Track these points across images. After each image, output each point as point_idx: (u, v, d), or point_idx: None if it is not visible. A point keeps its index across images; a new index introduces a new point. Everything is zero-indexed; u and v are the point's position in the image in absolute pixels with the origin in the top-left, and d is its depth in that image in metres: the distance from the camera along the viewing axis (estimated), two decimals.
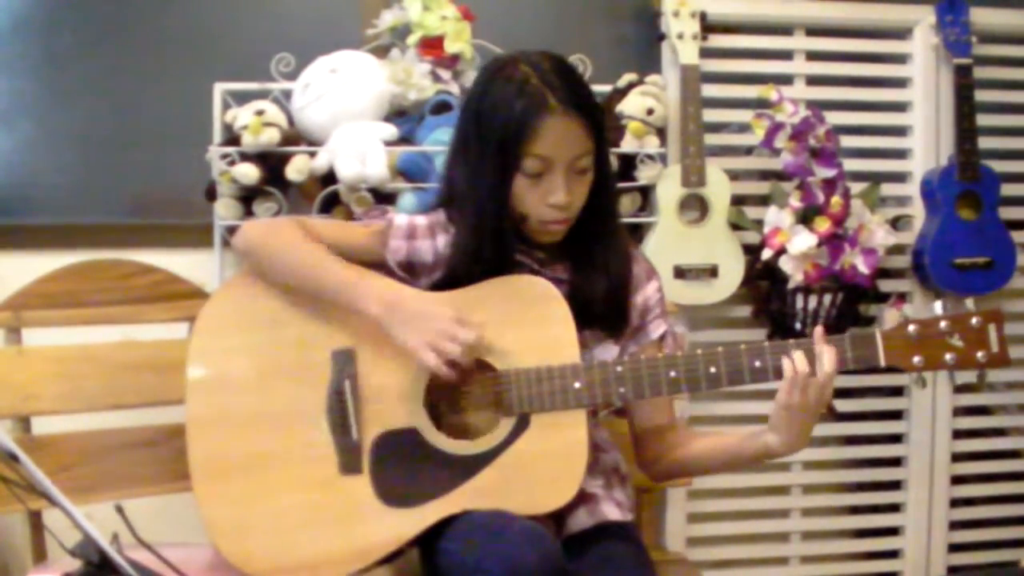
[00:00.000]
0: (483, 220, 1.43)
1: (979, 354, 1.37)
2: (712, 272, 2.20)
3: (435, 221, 1.50)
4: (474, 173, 1.43)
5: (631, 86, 2.18)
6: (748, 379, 1.39)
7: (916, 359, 1.37)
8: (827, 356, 1.34)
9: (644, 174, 2.14)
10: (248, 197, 2.03)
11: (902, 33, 2.39)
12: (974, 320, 1.37)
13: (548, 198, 1.40)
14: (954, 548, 2.44)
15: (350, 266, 1.42)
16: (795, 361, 1.34)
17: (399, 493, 1.38)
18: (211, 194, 2.04)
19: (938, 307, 1.38)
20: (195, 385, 1.45)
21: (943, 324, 1.38)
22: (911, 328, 1.37)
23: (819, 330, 1.37)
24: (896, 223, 2.36)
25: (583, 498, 1.47)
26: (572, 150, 1.38)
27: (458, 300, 1.42)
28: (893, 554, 2.44)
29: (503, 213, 1.43)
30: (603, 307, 1.47)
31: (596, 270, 1.46)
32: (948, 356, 1.37)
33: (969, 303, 1.39)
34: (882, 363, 1.37)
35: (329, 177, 2.01)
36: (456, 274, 1.45)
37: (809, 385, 1.33)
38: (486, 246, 1.44)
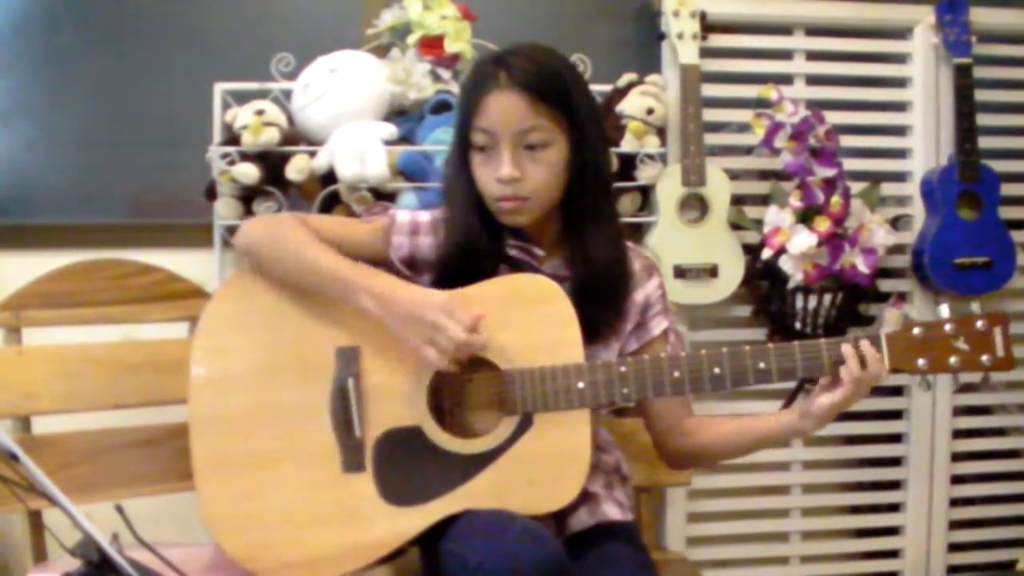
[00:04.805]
0: (456, 203, 1.46)
1: (983, 357, 1.38)
2: (712, 272, 2.20)
3: (438, 218, 1.50)
4: (448, 158, 1.51)
5: (631, 86, 2.18)
6: (752, 380, 1.39)
7: (920, 362, 1.38)
8: (873, 358, 1.36)
9: (644, 174, 2.14)
10: (248, 197, 2.03)
11: (902, 33, 2.38)
12: (979, 323, 1.38)
13: (495, 172, 1.41)
14: (954, 548, 2.44)
15: (344, 260, 1.42)
16: (853, 364, 1.35)
17: (401, 491, 1.38)
18: (211, 194, 2.04)
19: (943, 310, 1.39)
20: (198, 383, 1.45)
21: (948, 327, 1.38)
22: (916, 331, 1.38)
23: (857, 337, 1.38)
24: (896, 223, 2.36)
25: (584, 498, 1.47)
26: (515, 123, 1.39)
27: (460, 299, 1.42)
28: (893, 554, 2.44)
29: (471, 194, 1.45)
30: (601, 302, 1.47)
31: (592, 265, 1.46)
32: (952, 359, 1.38)
33: (975, 306, 1.39)
34: (887, 365, 1.37)
35: (329, 177, 2.01)
36: (454, 267, 1.45)
37: (863, 385, 1.35)
38: (470, 232, 1.45)
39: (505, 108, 1.39)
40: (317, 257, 1.42)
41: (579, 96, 1.44)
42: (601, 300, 1.47)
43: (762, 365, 1.39)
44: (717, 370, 1.39)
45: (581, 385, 1.38)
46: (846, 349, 1.36)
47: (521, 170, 1.41)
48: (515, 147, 1.41)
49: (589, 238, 1.47)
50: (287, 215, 1.50)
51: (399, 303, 1.37)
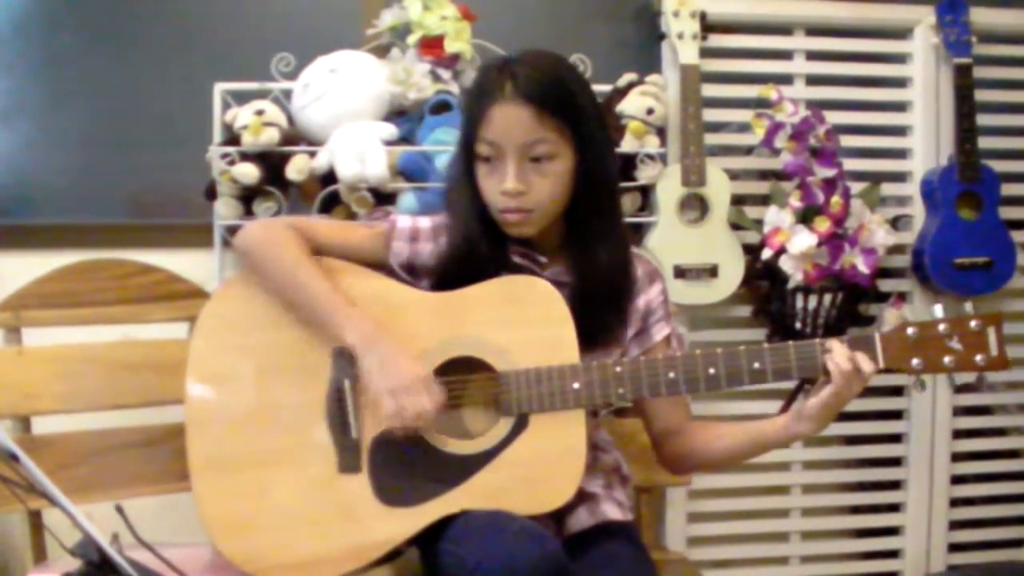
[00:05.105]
0: (460, 211, 1.46)
1: (978, 357, 1.38)
2: (712, 272, 2.20)
3: (439, 223, 1.50)
4: (452, 164, 1.51)
5: (631, 86, 2.18)
6: (747, 381, 1.40)
7: (915, 361, 1.38)
8: (864, 356, 1.36)
9: (644, 174, 2.14)
10: (248, 197, 2.03)
11: (902, 33, 2.38)
12: (973, 323, 1.38)
13: (500, 185, 1.41)
14: (954, 548, 2.44)
15: (336, 292, 1.41)
16: (842, 361, 1.35)
17: (398, 492, 1.39)
18: (211, 194, 2.04)
19: (938, 310, 1.39)
20: (196, 384, 1.45)
21: (942, 327, 1.38)
22: (910, 331, 1.38)
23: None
24: (896, 223, 2.36)
25: (583, 498, 1.47)
26: (521, 136, 1.39)
27: (458, 300, 1.43)
28: (893, 554, 2.44)
29: (475, 203, 1.45)
30: (602, 309, 1.47)
31: (595, 271, 1.46)
32: (947, 359, 1.38)
33: (968, 306, 1.39)
34: (881, 365, 1.38)
35: (329, 177, 2.01)
36: (454, 273, 1.45)
37: (855, 381, 1.35)
38: (473, 240, 1.45)
39: (510, 120, 1.39)
40: (308, 281, 1.41)
41: (585, 104, 1.43)
42: (601, 305, 1.47)
43: (757, 365, 1.39)
44: (712, 370, 1.40)
45: (576, 385, 1.38)
46: (829, 343, 1.37)
47: (526, 182, 1.40)
48: (520, 159, 1.40)
49: (592, 244, 1.47)
50: (286, 223, 1.47)
51: (383, 347, 1.36)
